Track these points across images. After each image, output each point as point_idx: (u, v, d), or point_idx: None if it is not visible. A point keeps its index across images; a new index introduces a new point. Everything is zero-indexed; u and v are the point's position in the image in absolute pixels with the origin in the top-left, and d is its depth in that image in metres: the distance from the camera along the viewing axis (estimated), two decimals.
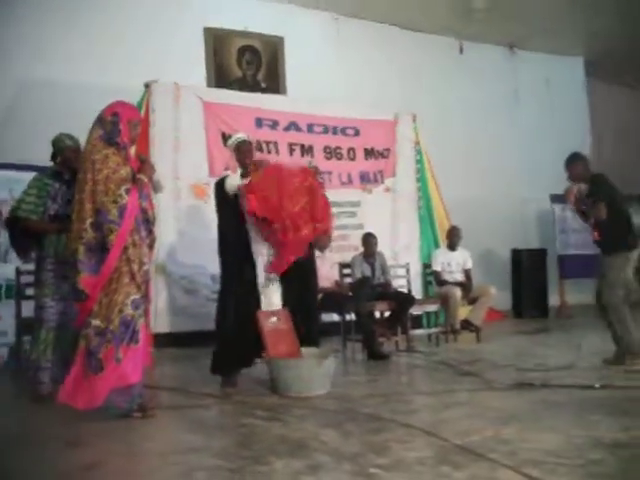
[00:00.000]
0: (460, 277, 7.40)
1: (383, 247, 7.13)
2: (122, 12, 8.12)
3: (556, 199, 10.29)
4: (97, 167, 3.76)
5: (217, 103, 7.61)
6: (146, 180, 3.92)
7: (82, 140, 4.12)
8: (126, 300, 3.73)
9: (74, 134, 4.63)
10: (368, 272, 6.69)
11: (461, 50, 10.82)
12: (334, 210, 7.92)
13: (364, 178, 8.42)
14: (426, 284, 7.86)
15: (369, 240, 6.85)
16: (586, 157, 5.57)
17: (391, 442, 3.16)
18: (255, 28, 9.25)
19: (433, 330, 7.29)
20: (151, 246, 4.04)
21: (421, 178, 8.78)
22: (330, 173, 8.18)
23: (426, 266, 7.85)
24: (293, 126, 8.06)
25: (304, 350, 4.77)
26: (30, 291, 5.11)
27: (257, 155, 7.04)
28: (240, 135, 5.21)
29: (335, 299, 6.40)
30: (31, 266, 5.10)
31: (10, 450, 3.26)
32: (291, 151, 7.95)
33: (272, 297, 4.89)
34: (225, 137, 7.58)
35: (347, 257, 7.14)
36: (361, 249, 6.95)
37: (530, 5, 9.65)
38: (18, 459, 3.08)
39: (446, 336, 7.13)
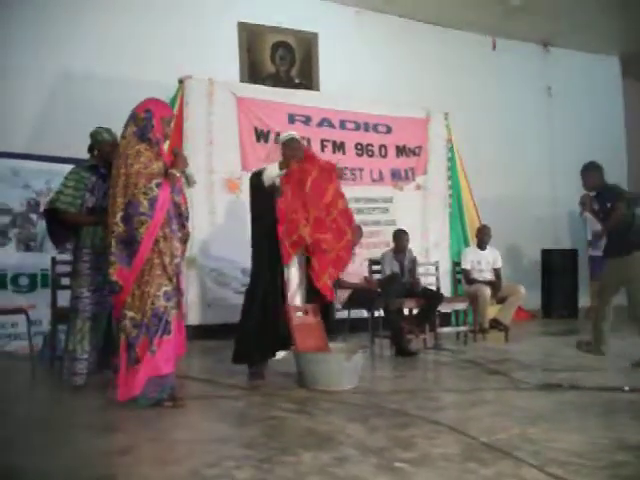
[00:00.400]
0: (490, 276, 7.39)
1: (413, 244, 7.15)
2: (159, 8, 8.22)
3: None
4: (129, 162, 3.84)
5: (250, 99, 7.68)
6: (178, 175, 3.98)
7: (119, 134, 4.20)
8: (158, 292, 3.81)
9: (111, 128, 4.71)
10: (397, 269, 6.71)
11: (494, 47, 10.76)
12: (365, 206, 8.07)
13: (395, 175, 8.44)
14: (455, 282, 7.86)
15: (400, 236, 6.87)
16: (602, 167, 5.71)
17: (417, 437, 3.19)
18: (289, 24, 9.29)
19: (461, 328, 7.28)
20: (185, 241, 4.13)
21: (452, 176, 8.78)
22: (361, 170, 8.23)
23: (456, 264, 7.85)
24: (326, 122, 8.11)
25: (332, 345, 4.82)
26: (65, 281, 5.22)
27: None
28: (292, 133, 5.28)
29: (364, 295, 6.43)
30: (66, 256, 5.25)
31: (46, 436, 3.35)
32: (323, 147, 7.99)
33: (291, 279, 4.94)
34: (258, 132, 7.67)
35: (377, 253, 7.18)
36: (392, 245, 6.98)
37: (565, 2, 9.56)
38: (53, 444, 3.17)
39: (474, 335, 7.13)
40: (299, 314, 4.79)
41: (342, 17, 9.58)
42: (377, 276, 6.86)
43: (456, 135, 8.87)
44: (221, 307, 7.02)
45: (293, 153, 5.02)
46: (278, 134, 7.68)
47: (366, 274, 6.86)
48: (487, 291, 7.00)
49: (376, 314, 6.43)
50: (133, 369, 3.77)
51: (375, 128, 8.42)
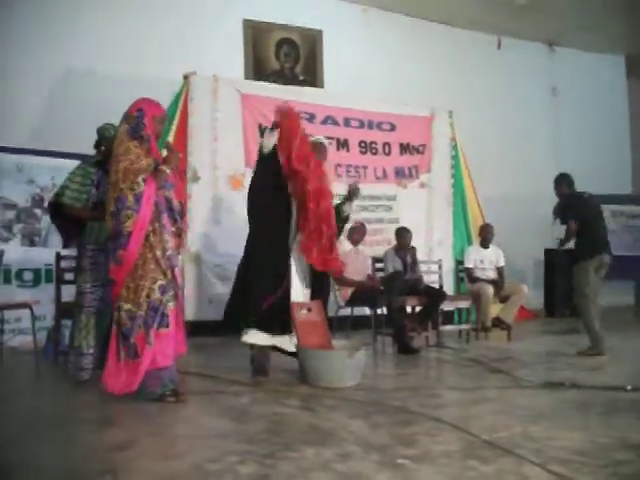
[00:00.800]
0: (492, 274, 7.39)
1: (417, 242, 7.17)
2: (164, 4, 8.24)
3: None
4: (119, 159, 3.92)
5: (255, 95, 7.67)
6: (168, 170, 4.03)
7: None
8: (153, 285, 3.86)
9: (116, 124, 4.72)
10: (400, 266, 6.72)
11: (499, 46, 10.75)
12: (369, 203, 8.07)
13: (399, 173, 8.44)
14: (458, 280, 7.86)
15: (402, 234, 6.87)
16: (570, 178, 6.25)
17: (419, 435, 3.20)
18: (294, 21, 9.30)
19: (464, 327, 7.29)
20: (178, 235, 4.16)
21: (456, 175, 8.78)
22: (365, 167, 8.24)
23: (459, 262, 7.85)
24: (330, 120, 8.11)
25: (335, 342, 4.83)
26: (69, 276, 5.24)
27: None
28: (321, 138, 5.37)
29: (367, 293, 6.45)
30: (70, 251, 5.26)
31: (49, 430, 3.36)
32: None
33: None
34: (262, 129, 7.66)
35: (380, 251, 7.19)
36: (394, 243, 6.99)
37: (570, 2, 9.55)
38: (56, 439, 3.18)
39: (477, 333, 7.13)
40: (303, 311, 4.79)
41: (347, 14, 9.59)
42: (380, 274, 6.87)
43: (461, 133, 8.86)
44: (224, 303, 7.01)
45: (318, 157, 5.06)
46: None
47: (369, 272, 6.87)
48: (490, 290, 7.01)
49: (379, 312, 6.44)
50: (133, 363, 3.81)
51: (379, 126, 8.42)
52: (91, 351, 4.42)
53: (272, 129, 4.80)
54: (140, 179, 3.88)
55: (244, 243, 4.99)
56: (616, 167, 11.05)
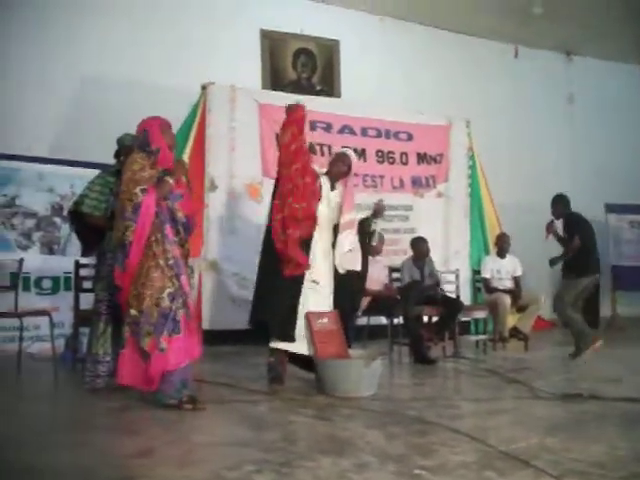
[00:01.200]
0: (510, 284, 7.36)
1: (434, 252, 7.14)
2: (181, 15, 8.32)
3: (611, 208, 10.16)
4: (124, 171, 4.08)
5: (272, 105, 7.69)
6: (172, 182, 4.10)
7: None
8: (161, 294, 3.93)
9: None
10: (418, 276, 6.71)
11: (516, 54, 10.74)
12: (386, 213, 7.99)
13: (416, 183, 8.44)
14: (475, 290, 7.83)
15: (418, 244, 6.87)
16: (567, 198, 6.73)
17: (436, 445, 3.19)
18: (311, 31, 9.35)
19: (481, 337, 7.26)
20: (182, 245, 4.20)
21: (473, 184, 8.76)
22: (382, 177, 8.25)
23: (476, 272, 7.83)
24: (347, 129, 8.13)
25: (352, 352, 4.84)
26: (88, 284, 5.29)
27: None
28: (346, 149, 5.47)
29: (384, 302, 6.44)
30: (89, 259, 5.30)
31: (67, 436, 3.39)
32: None
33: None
34: (279, 139, 7.69)
35: (397, 261, 7.18)
36: (410, 253, 6.98)
37: (588, 11, 9.52)
38: (74, 445, 3.21)
39: (494, 343, 7.10)
40: (320, 321, 4.80)
41: (364, 24, 9.63)
42: (397, 284, 6.86)
43: (477, 143, 8.85)
44: (242, 311, 7.03)
45: (334, 164, 5.14)
46: None
47: (386, 281, 6.87)
48: (507, 300, 6.97)
49: (395, 321, 6.43)
50: (145, 365, 3.87)
51: (396, 135, 8.43)
52: (107, 359, 4.46)
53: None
54: (138, 190, 3.97)
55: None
56: (633, 176, 10.96)
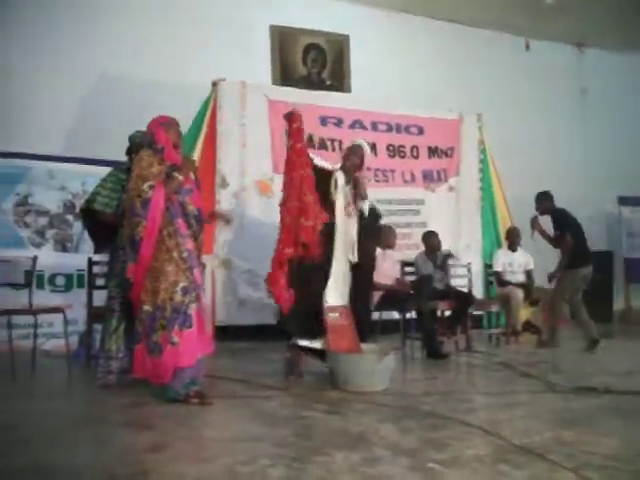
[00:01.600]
0: (522, 278, 7.33)
1: (445, 246, 7.11)
2: (192, 13, 8.32)
3: (624, 201, 10.11)
4: (133, 168, 4.13)
5: (282, 101, 7.68)
6: (181, 177, 4.13)
7: None
8: (175, 288, 3.95)
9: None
10: (431, 270, 6.69)
11: (527, 47, 10.68)
12: (397, 207, 8.07)
13: (427, 177, 8.42)
14: (487, 284, 7.80)
15: (430, 238, 6.85)
16: (551, 194, 7.01)
17: (449, 439, 3.18)
18: (320, 26, 9.34)
19: (494, 331, 7.23)
20: (195, 238, 4.21)
21: (485, 178, 8.73)
22: (393, 171, 8.23)
23: (488, 266, 7.80)
24: (357, 124, 8.12)
25: (364, 346, 4.83)
26: (101, 281, 5.31)
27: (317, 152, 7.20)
28: (359, 140, 5.49)
29: (396, 297, 6.42)
30: (102, 257, 5.32)
31: (80, 432, 3.41)
32: None
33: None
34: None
35: (409, 255, 7.17)
36: (422, 247, 6.97)
37: (600, 2, 9.44)
38: (88, 441, 3.22)
39: (507, 337, 7.08)
40: (333, 315, 4.80)
41: (373, 19, 9.59)
42: (410, 278, 6.85)
43: (489, 136, 8.81)
44: (254, 308, 7.06)
45: (352, 161, 5.15)
46: (310, 136, 7.75)
47: (398, 276, 6.85)
48: (520, 293, 6.95)
49: (408, 316, 6.42)
50: (157, 360, 3.89)
51: (407, 129, 8.40)
52: (120, 355, 4.48)
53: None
54: (146, 186, 4.01)
55: (273, 248, 5.01)
56: None
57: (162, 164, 4.13)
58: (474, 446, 3.07)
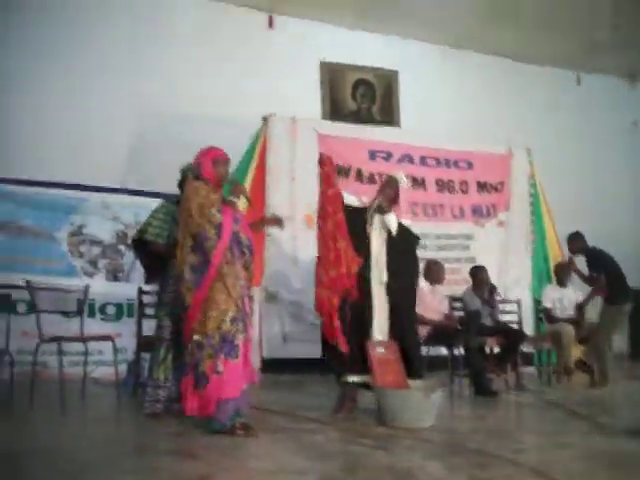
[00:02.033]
0: (573, 314, 7.16)
1: (494, 281, 7.03)
2: (243, 48, 8.51)
3: None
4: (191, 198, 4.12)
5: (332, 136, 7.77)
6: (237, 202, 4.23)
7: None
8: (224, 317, 3.96)
9: None
10: (479, 306, 6.60)
11: (578, 82, 10.59)
12: (446, 242, 8.01)
13: (476, 212, 8.35)
14: (538, 321, 7.65)
15: (478, 273, 6.78)
16: (581, 234, 7.01)
17: (498, 478, 3.11)
18: (369, 62, 9.44)
19: (545, 369, 7.07)
20: (246, 267, 4.23)
21: (535, 212, 8.62)
22: (442, 206, 8.19)
23: (538, 302, 7.65)
24: (406, 158, 8.12)
25: (411, 382, 4.77)
26: (150, 310, 5.39)
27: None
28: (397, 174, 5.45)
29: (444, 332, 6.34)
30: (152, 286, 5.40)
31: (126, 459, 3.43)
32: None
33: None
34: (339, 169, 7.74)
35: (458, 290, 7.08)
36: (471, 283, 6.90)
37: None
38: (134, 468, 3.24)
39: (558, 376, 6.91)
40: (379, 349, 4.76)
41: (422, 54, 9.68)
42: (458, 313, 6.77)
43: (539, 170, 8.71)
44: (299, 341, 7.05)
45: (386, 194, 5.14)
46: (359, 170, 7.80)
47: (446, 311, 6.77)
48: (570, 330, 6.78)
49: (456, 352, 6.33)
50: (203, 390, 3.90)
51: (456, 164, 8.37)
52: (168, 384, 4.50)
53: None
54: (215, 210, 4.06)
55: None
56: None
57: (216, 192, 4.20)
58: None
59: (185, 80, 8.07)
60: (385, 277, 4.94)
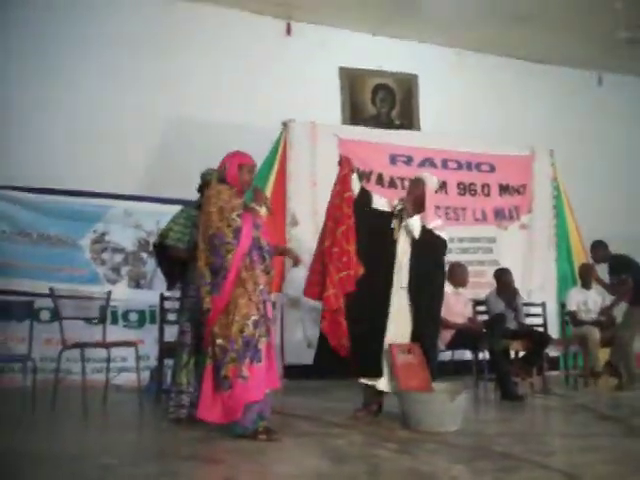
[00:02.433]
0: (598, 316, 7.05)
1: (517, 285, 6.96)
2: (261, 55, 8.52)
3: None
4: (212, 201, 4.11)
5: (352, 140, 7.74)
6: (263, 210, 4.23)
7: None
8: (246, 321, 3.95)
9: None
10: (503, 309, 6.52)
11: (600, 82, 10.48)
12: (469, 245, 7.94)
13: (499, 215, 8.26)
14: (564, 323, 7.54)
15: (502, 276, 6.71)
16: (604, 243, 7.17)
17: None
18: (389, 67, 9.41)
19: (571, 372, 6.96)
20: (267, 272, 4.22)
21: (558, 215, 8.51)
22: (464, 209, 8.11)
23: (563, 305, 7.55)
24: (427, 162, 8.05)
25: (436, 385, 4.71)
26: (172, 317, 5.38)
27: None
28: (423, 173, 5.43)
29: (469, 336, 6.27)
30: (174, 292, 5.40)
31: (150, 464, 3.41)
32: None
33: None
34: (359, 173, 7.70)
35: (481, 294, 7.01)
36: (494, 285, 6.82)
37: None
38: (156, 472, 3.21)
39: (585, 379, 6.80)
40: (402, 354, 4.71)
41: (442, 58, 9.61)
42: (482, 317, 6.69)
43: (562, 172, 8.62)
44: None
45: (413, 193, 5.11)
46: (380, 175, 7.76)
47: (470, 315, 6.70)
48: (596, 333, 6.68)
49: (480, 356, 6.25)
50: (226, 395, 3.88)
51: (478, 167, 8.29)
52: (191, 389, 4.48)
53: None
54: (235, 215, 4.05)
55: None
56: None
57: (239, 197, 4.19)
58: None
59: (204, 88, 8.08)
60: (405, 281, 4.89)
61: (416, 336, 4.84)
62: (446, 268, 5.76)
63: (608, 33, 8.92)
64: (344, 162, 5.07)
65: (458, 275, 6.64)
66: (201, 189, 4.88)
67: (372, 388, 4.86)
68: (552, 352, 6.86)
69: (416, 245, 4.95)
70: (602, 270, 7.15)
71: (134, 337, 6.13)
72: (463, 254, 7.71)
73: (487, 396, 6.05)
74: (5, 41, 7.36)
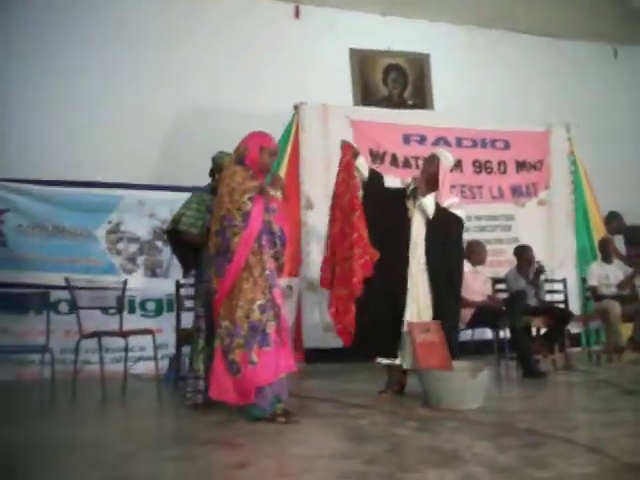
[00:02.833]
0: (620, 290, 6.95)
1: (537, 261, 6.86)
2: (271, 38, 8.44)
3: None
4: (226, 182, 4.07)
5: (365, 121, 7.67)
6: (274, 193, 4.11)
7: None
8: (252, 306, 3.91)
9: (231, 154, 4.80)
10: (524, 286, 6.43)
11: (615, 55, 10.30)
12: (487, 223, 7.84)
13: (516, 191, 8.15)
14: (585, 299, 7.44)
15: (524, 253, 6.61)
16: (618, 215, 7.54)
17: (551, 457, 2.98)
18: (399, 47, 9.29)
19: (594, 348, 6.87)
20: (276, 258, 4.16)
21: (577, 190, 8.38)
22: (480, 187, 8.02)
23: (584, 280, 7.44)
24: (441, 141, 7.95)
25: (456, 364, 4.65)
26: (189, 303, 5.36)
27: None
28: (437, 152, 5.29)
29: (489, 314, 6.19)
30: (189, 279, 5.38)
31: (167, 448, 3.38)
32: None
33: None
34: (373, 154, 7.65)
35: (501, 272, 6.93)
36: (515, 263, 6.73)
37: None
38: (177, 458, 3.19)
39: (608, 355, 6.70)
40: (423, 332, 4.65)
41: (453, 36, 9.47)
42: (502, 295, 6.61)
43: (580, 147, 8.48)
44: None
45: (427, 172, 5.05)
46: (394, 155, 7.68)
47: (489, 293, 6.62)
48: (617, 307, 6.56)
49: (501, 334, 6.17)
50: (235, 379, 3.86)
51: (493, 144, 8.19)
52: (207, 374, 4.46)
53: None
54: (246, 198, 3.98)
55: None
56: None
57: (255, 179, 4.10)
58: (579, 464, 2.84)
59: (215, 74, 8.04)
60: (423, 260, 4.83)
61: (437, 315, 4.79)
62: (464, 246, 5.70)
63: (622, 4, 8.75)
64: (345, 148, 4.99)
65: (476, 253, 6.56)
66: (212, 173, 4.85)
67: (394, 368, 4.82)
68: (574, 328, 6.75)
69: (431, 224, 4.88)
70: (618, 242, 7.02)
71: (152, 326, 6.11)
72: (481, 232, 7.62)
73: (509, 374, 5.98)
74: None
